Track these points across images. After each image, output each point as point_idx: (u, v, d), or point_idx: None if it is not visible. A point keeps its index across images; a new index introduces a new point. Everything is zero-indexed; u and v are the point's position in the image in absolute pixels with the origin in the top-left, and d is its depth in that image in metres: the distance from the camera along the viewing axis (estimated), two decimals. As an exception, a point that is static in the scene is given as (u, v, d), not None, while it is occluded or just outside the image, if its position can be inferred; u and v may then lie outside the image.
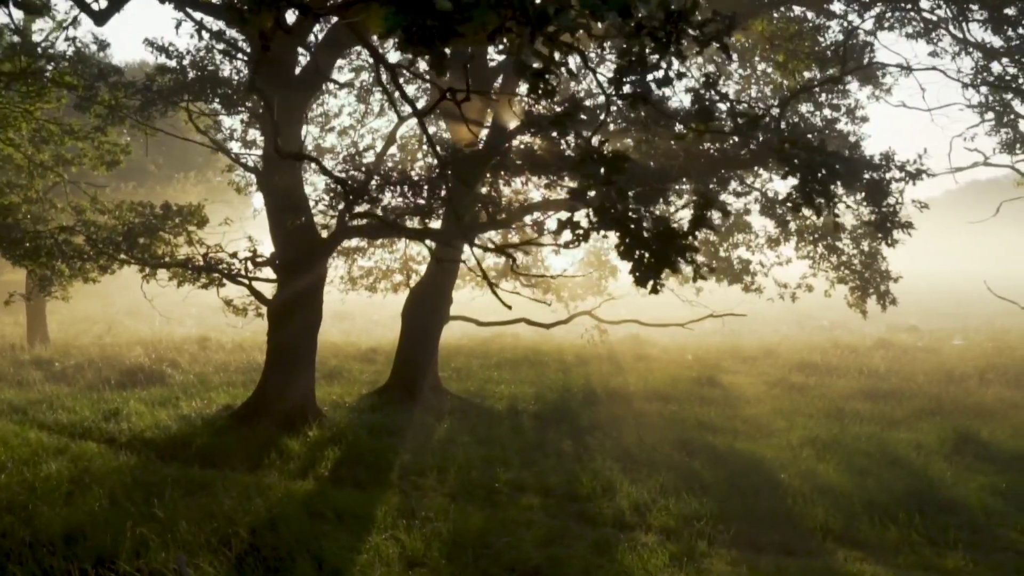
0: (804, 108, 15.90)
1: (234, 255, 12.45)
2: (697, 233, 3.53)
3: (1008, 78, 10.53)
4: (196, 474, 9.07)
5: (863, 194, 9.04)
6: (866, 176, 8.59)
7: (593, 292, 20.77)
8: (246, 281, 12.28)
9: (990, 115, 11.64)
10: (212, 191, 40.24)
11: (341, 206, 11.40)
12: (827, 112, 15.89)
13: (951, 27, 11.67)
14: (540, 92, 2.98)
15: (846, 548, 7.23)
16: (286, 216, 11.46)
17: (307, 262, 11.97)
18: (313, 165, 14.86)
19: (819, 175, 3.97)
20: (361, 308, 27.54)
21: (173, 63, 12.90)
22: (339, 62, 18.13)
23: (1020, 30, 10.71)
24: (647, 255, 3.30)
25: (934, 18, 12.12)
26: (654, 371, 17.45)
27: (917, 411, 13.14)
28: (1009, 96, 10.86)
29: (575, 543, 7.05)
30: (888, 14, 13.45)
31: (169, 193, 38.12)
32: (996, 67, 10.78)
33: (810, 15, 12.49)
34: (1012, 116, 11.42)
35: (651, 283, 3.44)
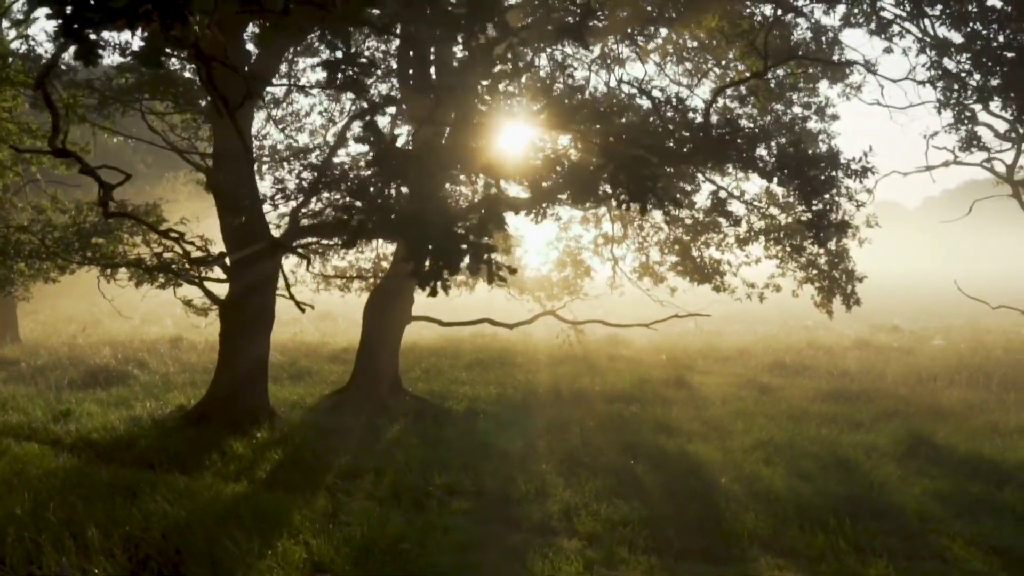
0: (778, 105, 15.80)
1: (186, 254, 12.35)
2: (489, 233, 3.38)
3: (963, 74, 10.32)
4: (129, 476, 8.95)
5: (796, 193, 8.85)
6: (809, 174, 8.40)
7: (569, 292, 20.60)
8: (197, 280, 12.19)
9: (948, 113, 11.43)
10: (202, 190, 40.10)
11: (290, 206, 11.31)
12: (797, 109, 15.83)
13: (911, 24, 11.47)
14: (339, 84, 2.84)
15: (771, 555, 7.06)
16: (232, 214, 11.36)
17: (257, 262, 11.85)
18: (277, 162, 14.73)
19: (633, 170, 3.79)
20: (343, 308, 27.42)
21: (127, 61, 12.80)
22: (311, 61, 18.08)
23: (978, 25, 10.50)
24: (430, 257, 3.17)
25: (898, 12, 11.93)
26: (625, 372, 17.28)
27: (881, 413, 12.94)
28: (967, 94, 10.64)
29: (491, 549, 6.91)
30: (855, 10, 13.29)
31: (158, 192, 38.10)
32: (951, 65, 10.57)
33: (767, 10, 12.32)
34: (968, 114, 11.20)
35: (433, 285, 3.30)
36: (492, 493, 8.65)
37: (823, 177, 8.47)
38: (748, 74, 11.33)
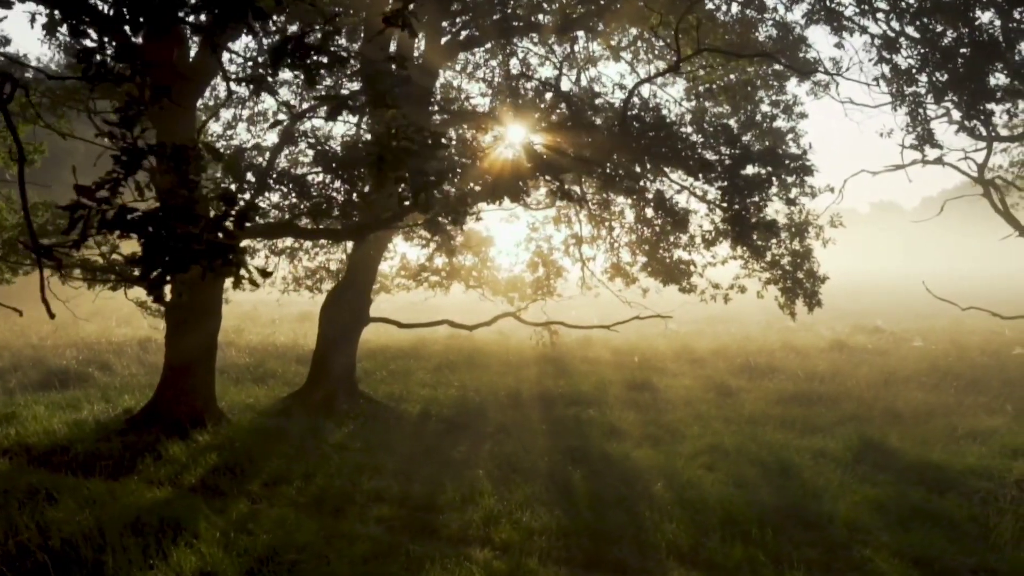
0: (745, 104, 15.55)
1: (133, 255, 12.18)
2: (229, 235, 3.18)
3: (914, 71, 10.05)
4: (52, 482, 8.77)
5: (720, 192, 8.57)
6: (742, 172, 8.14)
7: (542, 292, 20.35)
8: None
9: (903, 112, 11.16)
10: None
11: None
12: (765, 108, 15.60)
13: (867, 19, 11.20)
14: (92, 75, 2.66)
15: (686, 567, 6.84)
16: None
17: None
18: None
19: (402, 163, 3.57)
20: (322, 308, 27.26)
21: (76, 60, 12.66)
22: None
23: (932, 21, 10.23)
24: (158, 257, 2.98)
25: (854, 8, 11.67)
26: (591, 374, 17.08)
27: (841, 417, 12.69)
28: (920, 91, 10.37)
29: (395, 560, 6.70)
30: (817, 5, 13.03)
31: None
32: (902, 62, 10.31)
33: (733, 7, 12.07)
34: (922, 112, 10.91)
35: (159, 289, 3.10)
36: (418, 500, 8.45)
37: (758, 175, 8.21)
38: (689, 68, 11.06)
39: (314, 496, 8.53)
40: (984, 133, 11.51)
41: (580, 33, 17.23)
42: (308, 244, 17.41)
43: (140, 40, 11.64)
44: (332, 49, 3.38)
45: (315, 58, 3.32)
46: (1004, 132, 18.16)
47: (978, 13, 9.30)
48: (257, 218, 12.15)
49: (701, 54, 12.24)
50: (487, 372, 17.66)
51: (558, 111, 9.46)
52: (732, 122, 15.06)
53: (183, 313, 11.87)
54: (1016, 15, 10.90)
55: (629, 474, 9.42)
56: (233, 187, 10.96)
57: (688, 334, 23.26)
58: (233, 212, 3.19)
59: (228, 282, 15.61)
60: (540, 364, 18.63)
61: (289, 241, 17.09)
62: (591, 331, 20.27)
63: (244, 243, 17.11)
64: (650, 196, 11.81)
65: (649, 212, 15.66)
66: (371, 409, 13.23)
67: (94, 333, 21.50)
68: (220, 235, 3.07)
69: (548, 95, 9.21)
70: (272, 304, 26.11)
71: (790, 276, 13.82)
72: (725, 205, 8.64)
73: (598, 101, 13.42)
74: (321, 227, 10.86)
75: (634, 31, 16.56)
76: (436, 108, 15.50)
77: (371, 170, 3.43)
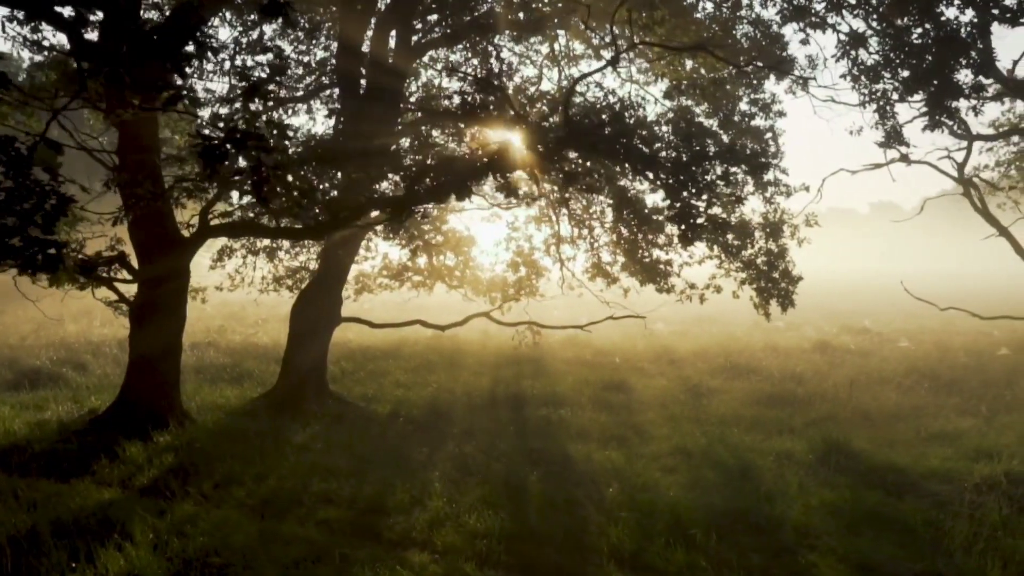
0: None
1: (98, 254, 12.10)
2: (52, 229, 3.07)
3: (879, 67, 9.90)
4: (1, 482, 8.71)
5: (664, 189, 8.42)
6: (694, 169, 8.00)
7: (525, 292, 20.22)
8: (106, 279, 11.93)
9: (872, 108, 11.00)
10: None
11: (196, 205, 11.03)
12: (744, 106, 15.45)
13: (836, 15, 11.05)
14: None
15: (625, 572, 6.71)
16: (136, 212, 11.09)
17: (166, 261, 11.59)
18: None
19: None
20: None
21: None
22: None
23: (894, 15, 10.08)
24: None
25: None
26: (569, 374, 16.95)
27: (814, 418, 12.54)
28: (885, 87, 10.23)
29: (328, 563, 6.59)
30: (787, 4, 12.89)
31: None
32: (867, 58, 10.15)
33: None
34: (890, 110, 10.76)
35: None
36: (366, 502, 8.33)
37: (711, 172, 8.09)
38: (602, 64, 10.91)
39: (263, 498, 8.42)
40: (953, 130, 11.35)
41: (561, 32, 17.16)
42: (287, 243, 17.32)
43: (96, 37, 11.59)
44: (205, 39, 3.26)
45: (186, 49, 3.20)
46: (990, 131, 18.00)
47: (942, 8, 9.17)
48: (221, 218, 12.06)
49: (678, 53, 12.10)
50: (465, 372, 17.55)
51: (509, 111, 9.35)
52: (714, 121, 14.94)
53: (144, 312, 11.79)
54: (994, 11, 10.75)
55: (586, 476, 9.29)
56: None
57: (672, 334, 23.11)
58: (46, 207, 3.07)
59: (210, 282, 15.50)
60: (519, 364, 18.50)
61: (267, 240, 16.99)
62: (575, 332, 20.13)
63: (223, 242, 17.12)
64: (615, 193, 11.64)
65: (624, 211, 15.55)
66: (340, 409, 13.12)
67: (74, 333, 21.45)
68: (38, 231, 2.96)
69: (492, 95, 9.09)
70: (261, 304, 25.97)
71: (764, 276, 13.68)
72: (668, 203, 8.50)
73: (577, 99, 13.32)
74: (282, 226, 10.76)
75: (616, 30, 16.46)
76: (414, 105, 15.42)
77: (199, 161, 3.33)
